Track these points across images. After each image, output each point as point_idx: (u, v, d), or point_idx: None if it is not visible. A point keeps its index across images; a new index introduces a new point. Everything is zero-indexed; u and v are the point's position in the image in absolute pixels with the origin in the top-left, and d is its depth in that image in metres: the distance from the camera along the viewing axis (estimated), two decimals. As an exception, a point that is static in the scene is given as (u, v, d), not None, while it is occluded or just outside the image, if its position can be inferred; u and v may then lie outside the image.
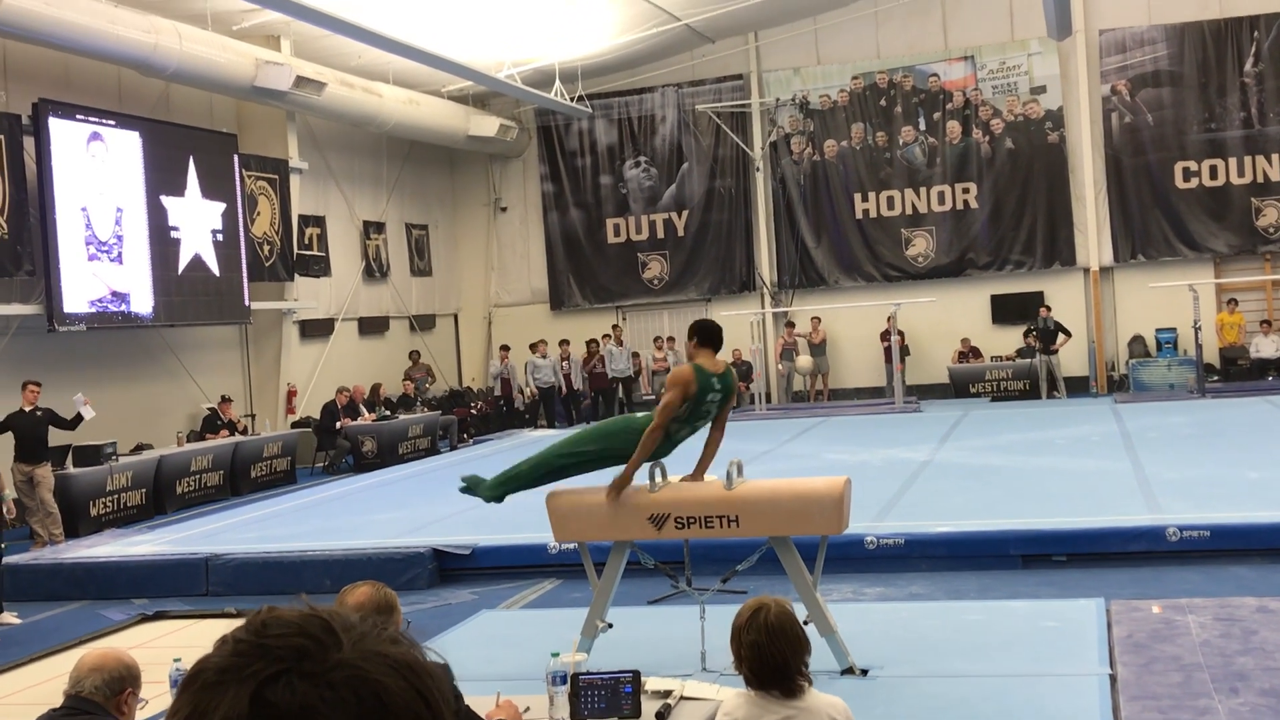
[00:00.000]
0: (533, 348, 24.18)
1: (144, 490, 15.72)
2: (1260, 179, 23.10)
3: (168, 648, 8.58)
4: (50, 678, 7.60)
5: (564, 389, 24.23)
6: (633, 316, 26.43)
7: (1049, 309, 23.08)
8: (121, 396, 17.61)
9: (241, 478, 17.59)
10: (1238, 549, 9.66)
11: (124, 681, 4.22)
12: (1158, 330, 23.38)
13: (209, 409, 18.53)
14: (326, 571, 10.52)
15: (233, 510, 15.22)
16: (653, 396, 24.70)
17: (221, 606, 10.18)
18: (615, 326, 25.22)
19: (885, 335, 23.42)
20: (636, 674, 4.65)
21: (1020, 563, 9.93)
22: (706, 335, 7.29)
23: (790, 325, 24.51)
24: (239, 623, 1.10)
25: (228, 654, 1.05)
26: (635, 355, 24.90)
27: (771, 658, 3.81)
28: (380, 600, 4.08)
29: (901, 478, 13.46)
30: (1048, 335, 22.74)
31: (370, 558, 10.80)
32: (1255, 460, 13.06)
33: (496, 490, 7.67)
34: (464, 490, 7.94)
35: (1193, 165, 23.40)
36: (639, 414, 7.63)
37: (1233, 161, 23.20)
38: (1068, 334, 22.79)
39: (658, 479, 7.13)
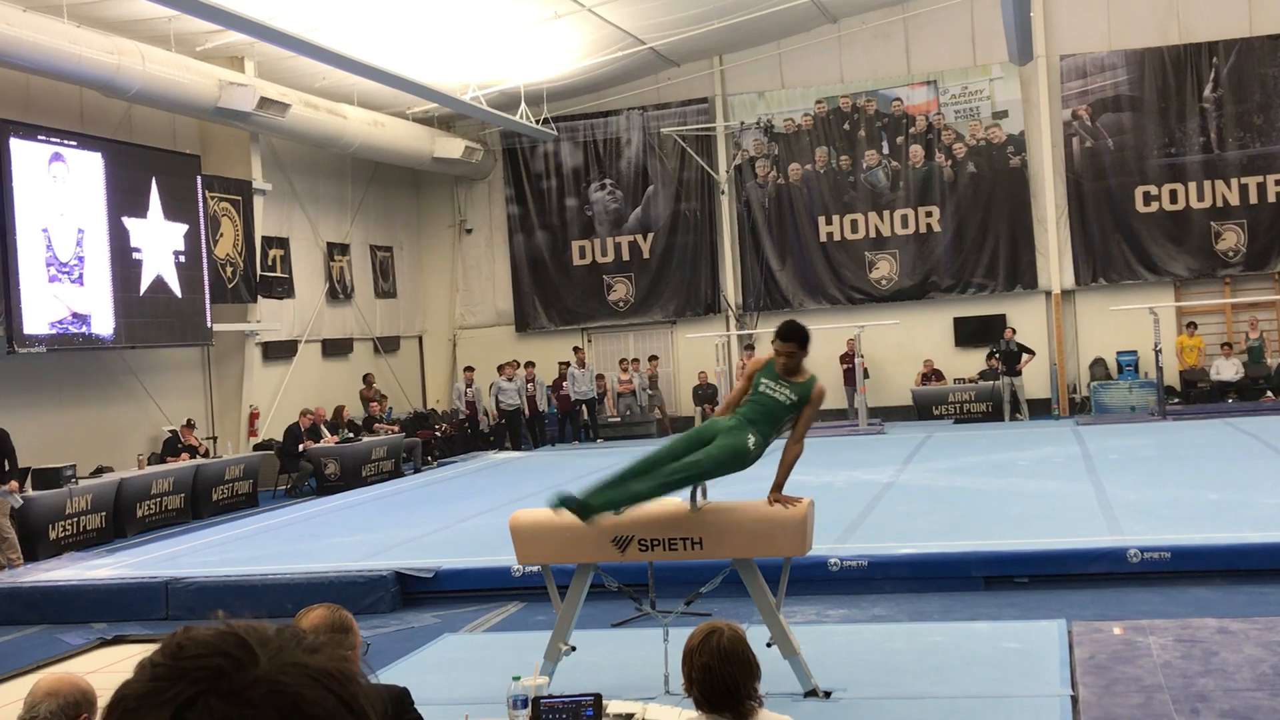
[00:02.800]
0: (500, 369, 24.10)
1: (104, 513, 15.58)
2: (1219, 203, 23.34)
3: (126, 672, 8.45)
4: (6, 704, 7.50)
5: (528, 411, 24.16)
6: (598, 338, 26.43)
7: (1014, 331, 23.25)
8: (82, 419, 17.48)
9: (203, 501, 17.46)
10: (1198, 570, 9.71)
11: (79, 707, 4.17)
12: (1119, 353, 23.57)
13: (170, 431, 18.40)
14: (288, 595, 10.43)
15: (194, 533, 15.09)
16: (617, 419, 24.71)
17: (181, 631, 10.07)
18: (578, 349, 25.21)
19: (845, 358, 23.51)
20: (598, 697, 4.63)
21: (983, 584, 9.96)
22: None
23: (749, 349, 24.49)
24: None
25: (146, 679, 1.05)
26: (600, 377, 24.89)
27: (722, 681, 3.82)
28: (335, 621, 4.04)
29: (865, 499, 13.49)
30: (1011, 357, 22.89)
31: (332, 581, 10.72)
32: (1215, 482, 13.15)
33: (603, 503, 6.86)
34: (577, 511, 6.87)
35: (1153, 189, 23.63)
36: (720, 419, 7.12)
37: (1192, 186, 23.44)
38: (1031, 353, 22.97)
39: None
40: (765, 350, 24.61)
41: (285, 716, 1.01)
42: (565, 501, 6.82)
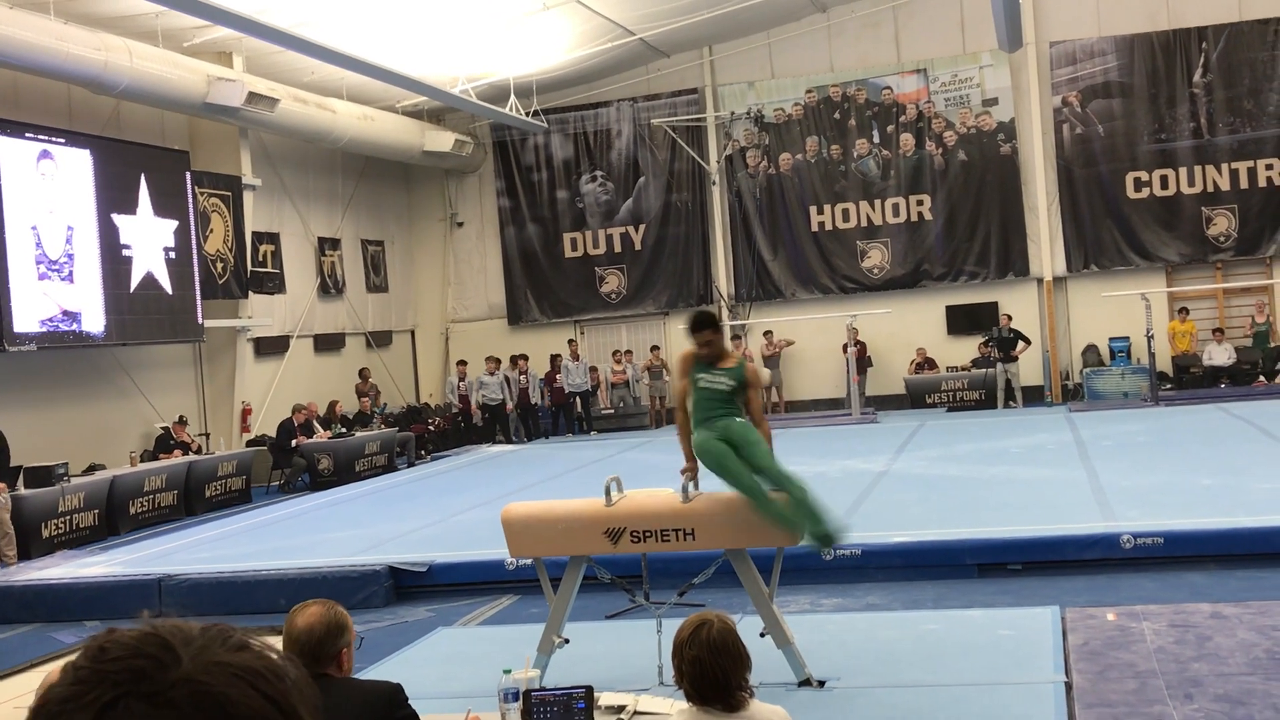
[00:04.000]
0: (486, 363, 24.10)
1: (97, 511, 15.54)
2: (1210, 188, 23.35)
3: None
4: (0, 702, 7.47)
5: (512, 404, 24.10)
6: (591, 331, 26.42)
7: (1010, 318, 23.27)
8: (73, 416, 17.44)
9: (196, 497, 17.42)
10: (1191, 555, 9.72)
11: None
12: (1111, 339, 23.58)
13: (162, 428, 18.36)
14: (281, 591, 10.42)
15: (187, 530, 15.07)
16: (610, 410, 24.71)
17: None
18: (572, 341, 25.20)
19: (848, 346, 23.53)
20: (589, 689, 4.62)
21: (976, 571, 9.96)
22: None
23: (736, 339, 24.45)
24: None
25: (68, 683, 1.04)
26: (593, 369, 24.87)
27: (712, 673, 3.80)
28: (331, 619, 4.03)
29: (858, 488, 13.49)
30: (1007, 344, 22.90)
31: (326, 576, 10.71)
32: (1208, 467, 13.17)
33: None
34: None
35: (1144, 175, 23.63)
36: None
37: (1183, 171, 23.45)
38: (1027, 341, 23.01)
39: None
40: (756, 342, 24.62)
41: (209, 717, 1.01)
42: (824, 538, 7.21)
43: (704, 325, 7.22)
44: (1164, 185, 23.57)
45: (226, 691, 1.02)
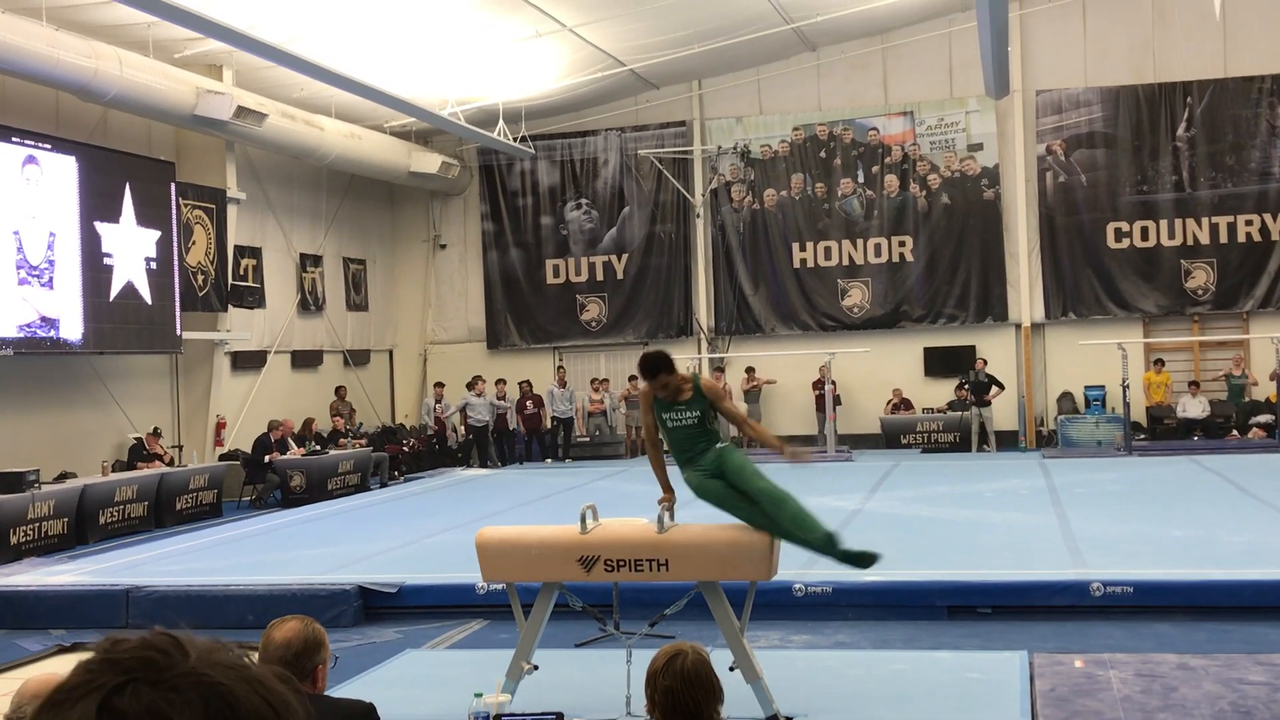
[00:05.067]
0: (470, 385, 24.04)
1: (66, 519, 15.43)
2: (1190, 241, 23.53)
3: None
4: (-39, 708, 7.40)
5: (494, 429, 24.07)
6: (570, 358, 26.41)
7: (984, 362, 23.37)
8: (47, 423, 17.35)
9: (166, 509, 17.32)
10: (1160, 605, 9.74)
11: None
12: (1086, 387, 23.70)
13: (135, 439, 18.28)
14: (249, 607, 10.37)
15: (156, 542, 14.97)
16: (587, 439, 24.68)
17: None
18: (560, 368, 25.20)
19: (817, 384, 23.57)
20: (559, 716, 4.62)
21: (946, 613, 9.97)
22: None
23: (719, 370, 24.49)
24: None
25: (79, 672, 1.08)
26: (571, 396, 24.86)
27: (685, 704, 3.81)
28: (309, 635, 4.02)
29: (831, 526, 13.45)
30: (981, 388, 22.99)
31: (295, 594, 10.65)
32: (1179, 518, 13.22)
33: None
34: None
35: (1124, 226, 23.81)
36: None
37: (1164, 223, 23.63)
38: (1000, 386, 23.08)
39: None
40: (736, 376, 24.54)
41: (212, 706, 1.04)
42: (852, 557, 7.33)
43: (658, 370, 7.10)
44: (1144, 236, 23.75)
45: (232, 686, 1.06)
